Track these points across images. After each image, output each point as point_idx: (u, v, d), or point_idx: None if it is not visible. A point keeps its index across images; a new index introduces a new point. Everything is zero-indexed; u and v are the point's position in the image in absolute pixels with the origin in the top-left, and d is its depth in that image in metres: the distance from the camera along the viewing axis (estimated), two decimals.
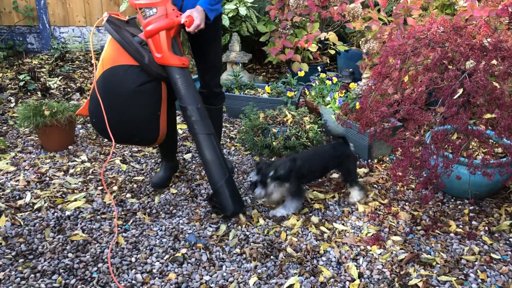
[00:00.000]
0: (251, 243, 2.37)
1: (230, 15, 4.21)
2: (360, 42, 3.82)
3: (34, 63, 5.23)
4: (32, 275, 2.14)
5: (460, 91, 2.34)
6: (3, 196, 2.73)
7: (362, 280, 2.13)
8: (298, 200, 2.59)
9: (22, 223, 2.50)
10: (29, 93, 4.37)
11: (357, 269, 2.19)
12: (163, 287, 2.08)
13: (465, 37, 2.46)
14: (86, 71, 5.03)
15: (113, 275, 2.12)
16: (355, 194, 2.70)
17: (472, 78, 2.31)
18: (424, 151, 2.46)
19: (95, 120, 2.49)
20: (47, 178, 2.95)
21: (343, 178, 2.76)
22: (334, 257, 2.28)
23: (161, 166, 2.91)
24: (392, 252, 2.30)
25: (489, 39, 2.45)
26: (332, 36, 4.23)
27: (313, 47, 4.19)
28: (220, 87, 2.81)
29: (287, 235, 2.44)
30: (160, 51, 2.35)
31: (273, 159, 2.69)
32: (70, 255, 2.28)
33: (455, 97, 2.34)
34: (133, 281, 2.12)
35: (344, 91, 3.42)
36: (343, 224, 2.53)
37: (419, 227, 2.49)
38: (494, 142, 2.79)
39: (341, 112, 3.17)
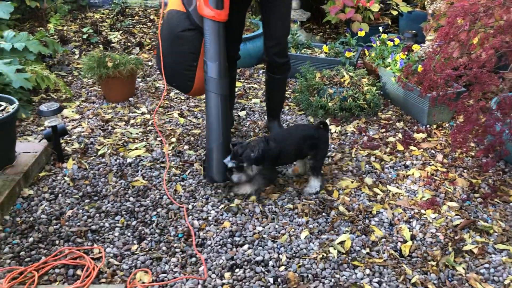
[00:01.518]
0: (303, 200, 2.41)
1: None
2: (426, 3, 3.65)
3: (96, 17, 5.38)
4: (97, 215, 2.29)
5: None
6: (70, 141, 2.90)
7: (415, 242, 2.13)
8: (267, 181, 2.44)
9: (87, 167, 2.65)
10: (91, 46, 4.52)
11: (409, 231, 2.19)
12: (218, 234, 2.17)
13: None
14: (145, 26, 5.11)
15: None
16: (314, 184, 2.43)
17: None
18: (489, 117, 2.36)
19: (157, 54, 2.61)
20: (110, 127, 3.09)
21: (310, 165, 2.43)
22: (387, 218, 2.28)
23: None
24: (447, 217, 2.27)
25: None
26: None
27: (375, 7, 4.04)
28: (285, 57, 2.70)
29: (339, 194, 2.45)
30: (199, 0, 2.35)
31: (248, 141, 2.51)
32: (131, 199, 2.41)
33: None
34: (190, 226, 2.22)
35: (406, 53, 3.30)
36: (397, 187, 2.51)
37: (477, 195, 2.43)
38: None
39: (402, 74, 3.07)
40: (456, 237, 2.14)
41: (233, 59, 2.75)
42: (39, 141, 2.76)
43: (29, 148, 2.64)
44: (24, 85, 3.04)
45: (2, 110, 2.45)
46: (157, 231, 2.19)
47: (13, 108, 2.42)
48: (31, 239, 2.11)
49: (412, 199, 2.41)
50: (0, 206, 2.20)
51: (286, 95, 3.57)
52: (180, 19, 2.42)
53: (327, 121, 3.16)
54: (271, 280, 1.92)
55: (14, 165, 2.47)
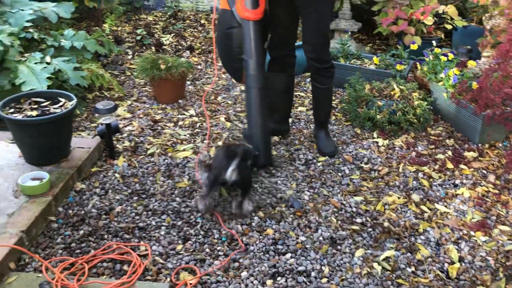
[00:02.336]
0: (349, 212, 2.38)
1: None
2: (483, 18, 3.54)
3: (149, 19, 5.53)
4: (145, 212, 2.35)
5: None
6: (121, 139, 2.99)
7: (463, 264, 2.06)
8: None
9: (137, 165, 2.73)
10: (144, 47, 4.65)
11: (457, 252, 2.12)
12: (261, 240, 2.18)
13: None
14: (196, 30, 5.22)
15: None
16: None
17: None
18: None
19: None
20: (159, 127, 3.17)
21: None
22: (434, 237, 2.23)
23: None
24: (498, 241, 2.19)
25: None
26: (451, 9, 3.96)
27: (429, 20, 3.96)
28: (324, 63, 2.70)
29: (385, 209, 2.41)
30: (237, 0, 2.50)
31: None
32: (177, 199, 2.46)
33: None
34: (233, 231, 2.24)
35: (460, 69, 3.22)
36: (445, 206, 2.45)
37: None
38: None
39: (456, 90, 3.00)
40: (507, 263, 2.06)
41: (287, 62, 2.78)
42: (93, 137, 2.87)
43: (83, 143, 2.75)
44: (81, 82, 3.16)
45: (61, 106, 2.56)
46: (202, 232, 2.23)
47: (71, 105, 2.52)
48: (81, 232, 2.19)
49: (461, 220, 2.34)
50: (55, 198, 2.30)
51: (333, 105, 3.56)
52: (227, 18, 2.59)
53: (375, 133, 3.12)
54: None
55: (68, 159, 2.58)
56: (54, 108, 2.53)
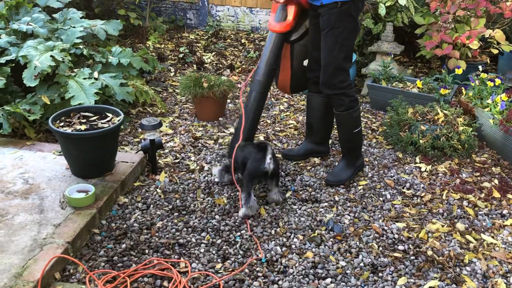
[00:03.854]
0: (390, 239, 2.33)
1: (388, 4, 4.09)
2: None
3: (191, 38, 5.66)
4: (185, 229, 2.37)
5: None
6: (163, 155, 3.04)
7: None
8: None
9: (178, 181, 2.77)
10: (186, 65, 4.75)
11: (507, 286, 2.04)
12: (301, 263, 2.16)
13: None
14: (236, 49, 5.29)
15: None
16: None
17: None
18: None
19: None
20: (200, 144, 3.21)
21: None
22: (480, 269, 2.15)
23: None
24: None
25: None
26: (498, 34, 3.88)
27: (475, 45, 3.89)
28: (332, 89, 2.59)
29: (428, 237, 2.35)
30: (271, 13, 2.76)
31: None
32: (217, 217, 2.47)
33: None
34: (272, 252, 2.23)
35: (509, 95, 3.13)
36: (492, 237, 2.36)
37: None
38: None
39: (504, 117, 2.91)
40: None
41: (316, 81, 2.73)
42: (136, 152, 2.93)
43: (126, 158, 2.81)
44: (126, 98, 3.25)
45: (109, 120, 2.64)
46: (241, 252, 2.23)
47: (118, 120, 2.60)
48: (123, 246, 2.23)
49: (510, 252, 2.25)
50: (99, 210, 2.35)
51: (373, 127, 3.51)
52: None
53: (417, 158, 3.06)
54: None
55: (113, 173, 2.64)
56: (102, 123, 2.61)
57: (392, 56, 4.01)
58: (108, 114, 2.70)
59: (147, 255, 2.19)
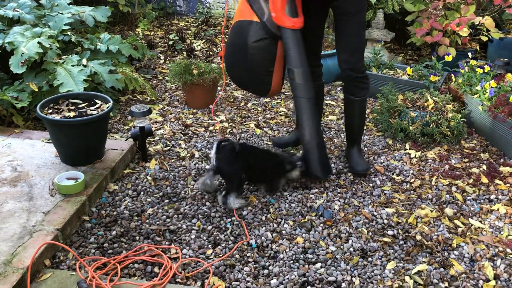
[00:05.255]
0: (379, 224, 2.35)
1: None
2: None
3: (181, 25, 5.61)
4: (175, 216, 2.37)
5: None
6: (153, 142, 3.03)
7: (498, 282, 2.01)
8: None
9: (168, 168, 2.76)
10: (176, 52, 4.72)
11: (493, 269, 2.07)
12: (291, 249, 2.17)
13: None
14: (226, 36, 5.25)
15: None
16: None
17: None
18: None
19: (225, 65, 2.74)
20: (190, 132, 3.20)
21: None
22: (468, 253, 2.18)
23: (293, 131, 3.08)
24: None
25: None
26: (488, 21, 3.89)
27: (465, 32, 3.90)
28: (360, 72, 2.61)
29: (417, 222, 2.37)
30: (275, 10, 2.41)
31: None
32: (207, 203, 2.47)
33: None
34: (263, 238, 2.24)
35: (497, 81, 3.15)
36: (480, 222, 2.39)
37: None
38: None
39: (492, 103, 2.93)
40: None
41: (315, 72, 2.72)
42: (126, 140, 2.91)
43: (116, 145, 2.79)
44: (115, 85, 3.22)
45: (98, 107, 2.62)
46: (231, 238, 2.23)
47: (107, 107, 2.57)
48: (114, 232, 2.23)
49: (497, 236, 2.28)
50: (89, 198, 2.34)
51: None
52: (253, 29, 2.49)
53: (407, 145, 3.08)
54: None
55: (102, 160, 2.63)
56: (91, 110, 2.58)
57: (383, 43, 4.02)
58: (97, 101, 2.68)
59: (137, 241, 2.19)
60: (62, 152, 2.58)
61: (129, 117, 3.29)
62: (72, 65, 3.09)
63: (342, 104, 3.67)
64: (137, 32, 5.18)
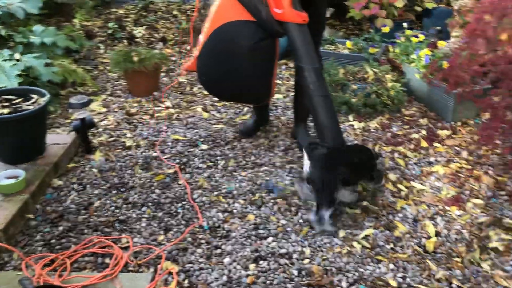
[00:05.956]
0: None
1: None
2: None
3: (120, 13, 5.45)
4: (124, 206, 2.34)
5: None
6: (97, 134, 2.96)
7: (439, 238, 2.12)
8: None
9: (114, 159, 2.71)
10: (116, 41, 4.59)
11: (434, 227, 2.18)
12: (243, 226, 2.20)
13: None
14: (168, 22, 5.17)
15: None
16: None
17: None
18: None
19: (205, 78, 2.49)
20: (135, 121, 3.14)
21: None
22: (411, 214, 2.28)
23: (251, 116, 3.00)
24: (472, 215, 2.26)
25: None
26: None
27: (399, 3, 4.01)
28: (320, 56, 2.59)
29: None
30: (281, 6, 2.20)
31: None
32: (157, 191, 2.45)
33: None
34: (214, 219, 2.25)
35: (431, 49, 3.28)
36: (421, 184, 2.50)
37: (502, 193, 2.41)
38: None
39: (427, 70, 3.05)
40: (481, 234, 2.13)
41: None
42: (68, 133, 2.83)
43: (58, 140, 2.71)
44: (53, 78, 3.11)
45: (34, 102, 2.52)
46: (183, 222, 2.24)
47: (44, 101, 2.48)
48: (61, 228, 2.17)
49: (437, 196, 2.40)
50: (32, 195, 2.27)
51: None
52: (251, 30, 2.29)
53: (351, 117, 3.16)
54: (295, 272, 1.94)
55: (44, 156, 2.54)
56: (27, 105, 2.48)
57: None
58: (32, 95, 2.57)
59: (86, 235, 2.15)
60: (0, 151, 2.47)
61: (70, 110, 3.19)
62: (4, 60, 2.95)
63: (288, 83, 3.72)
64: (74, 23, 4.99)
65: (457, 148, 2.80)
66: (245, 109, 3.30)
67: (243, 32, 2.29)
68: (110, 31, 4.66)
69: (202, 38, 2.43)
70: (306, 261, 2.00)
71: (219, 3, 2.38)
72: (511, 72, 2.32)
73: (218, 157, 2.73)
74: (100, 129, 3.02)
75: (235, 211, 2.31)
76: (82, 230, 2.17)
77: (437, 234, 2.15)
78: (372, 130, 3.02)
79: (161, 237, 2.14)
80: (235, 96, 2.62)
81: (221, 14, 2.35)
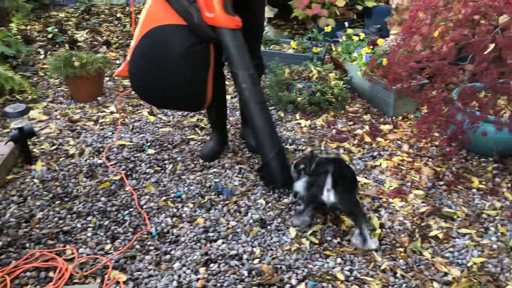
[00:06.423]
0: (274, 194, 2.44)
1: None
2: None
3: (61, 16, 5.28)
4: (69, 216, 2.27)
5: (492, 46, 2.30)
6: (37, 143, 2.85)
7: (383, 230, 2.20)
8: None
9: (57, 168, 2.62)
10: (57, 46, 4.43)
11: (378, 220, 2.26)
12: (192, 230, 2.18)
13: None
14: (112, 24, 5.05)
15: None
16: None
17: (505, 33, 2.27)
18: (450, 107, 2.45)
19: (137, 84, 2.38)
20: (78, 127, 3.05)
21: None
22: None
23: (211, 137, 2.79)
24: (413, 205, 2.35)
25: None
26: None
27: (341, 2, 4.11)
28: (260, 58, 2.59)
29: None
30: (212, 10, 2.14)
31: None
32: (102, 199, 2.39)
33: (486, 52, 2.31)
34: (163, 224, 2.22)
35: (371, 47, 3.38)
36: (365, 178, 2.58)
37: (441, 183, 2.52)
38: None
39: (368, 68, 3.15)
40: (422, 224, 2.22)
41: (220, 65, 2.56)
42: (5, 144, 2.70)
43: None
44: None
45: None
46: (130, 229, 2.19)
47: None
48: (0, 243, 2.08)
49: (380, 189, 2.48)
50: None
51: None
52: (182, 34, 2.20)
53: (297, 115, 3.21)
54: (246, 273, 1.95)
55: None
56: None
57: (267, 19, 4.11)
58: None
59: (28, 248, 2.06)
60: None
61: (7, 119, 3.05)
62: None
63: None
64: (10, 27, 4.77)
65: (399, 142, 2.91)
66: None
67: (174, 36, 2.20)
68: (50, 36, 4.49)
69: (133, 42, 2.32)
70: (256, 261, 2.02)
71: (150, 6, 2.29)
72: (444, 67, 2.43)
73: (166, 161, 2.70)
74: (41, 138, 2.90)
75: (184, 215, 2.29)
76: (24, 244, 2.08)
77: (382, 226, 2.22)
78: (318, 127, 3.08)
79: (108, 246, 2.09)
80: (169, 103, 2.49)
81: (152, 17, 2.25)
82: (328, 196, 2.04)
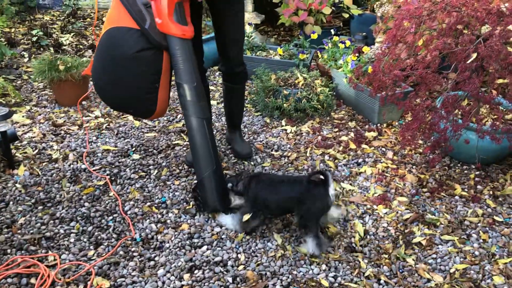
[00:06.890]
0: None
1: None
2: (375, 6, 3.78)
3: (46, 19, 5.23)
4: (51, 221, 2.24)
5: (474, 55, 2.34)
6: (20, 147, 2.81)
7: (368, 236, 2.21)
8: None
9: (40, 173, 2.58)
10: (42, 49, 4.39)
11: (363, 226, 2.27)
12: (176, 236, 2.17)
13: (483, 2, 2.44)
14: (98, 28, 5.02)
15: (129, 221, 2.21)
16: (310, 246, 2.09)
17: (487, 43, 2.32)
18: (434, 115, 2.49)
19: (94, 83, 2.35)
20: (62, 132, 3.02)
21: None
22: (341, 215, 2.36)
23: None
24: (397, 212, 2.37)
25: (507, 4, 2.43)
26: None
27: (327, 10, 4.15)
28: (243, 64, 2.59)
29: None
30: (160, 16, 2.10)
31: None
32: (86, 204, 2.37)
33: (468, 62, 2.35)
34: (147, 230, 2.21)
35: (357, 54, 3.42)
36: (350, 184, 2.60)
37: (425, 190, 2.55)
38: (504, 109, 2.81)
39: (353, 75, 3.18)
40: (406, 231, 2.24)
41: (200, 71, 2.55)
42: None
43: None
44: None
45: None
46: (114, 235, 2.17)
47: None
48: None
49: (365, 196, 2.50)
50: None
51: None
52: (133, 38, 2.14)
53: (283, 122, 3.22)
54: (230, 279, 1.95)
55: None
56: None
57: (254, 26, 4.12)
58: None
59: (9, 255, 2.03)
60: None
61: None
62: None
63: (221, 89, 3.73)
64: None
65: (383, 149, 2.93)
66: (179, 116, 3.28)
67: (125, 39, 2.14)
68: (34, 39, 4.45)
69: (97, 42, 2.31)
70: (241, 267, 2.01)
71: (111, 7, 2.25)
72: (428, 76, 2.47)
73: (151, 167, 2.68)
74: (25, 142, 2.87)
75: (168, 221, 2.28)
76: (5, 250, 2.05)
77: (366, 232, 2.24)
78: (304, 133, 3.10)
79: (91, 252, 2.07)
80: (119, 106, 2.42)
81: (110, 18, 2.21)
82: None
